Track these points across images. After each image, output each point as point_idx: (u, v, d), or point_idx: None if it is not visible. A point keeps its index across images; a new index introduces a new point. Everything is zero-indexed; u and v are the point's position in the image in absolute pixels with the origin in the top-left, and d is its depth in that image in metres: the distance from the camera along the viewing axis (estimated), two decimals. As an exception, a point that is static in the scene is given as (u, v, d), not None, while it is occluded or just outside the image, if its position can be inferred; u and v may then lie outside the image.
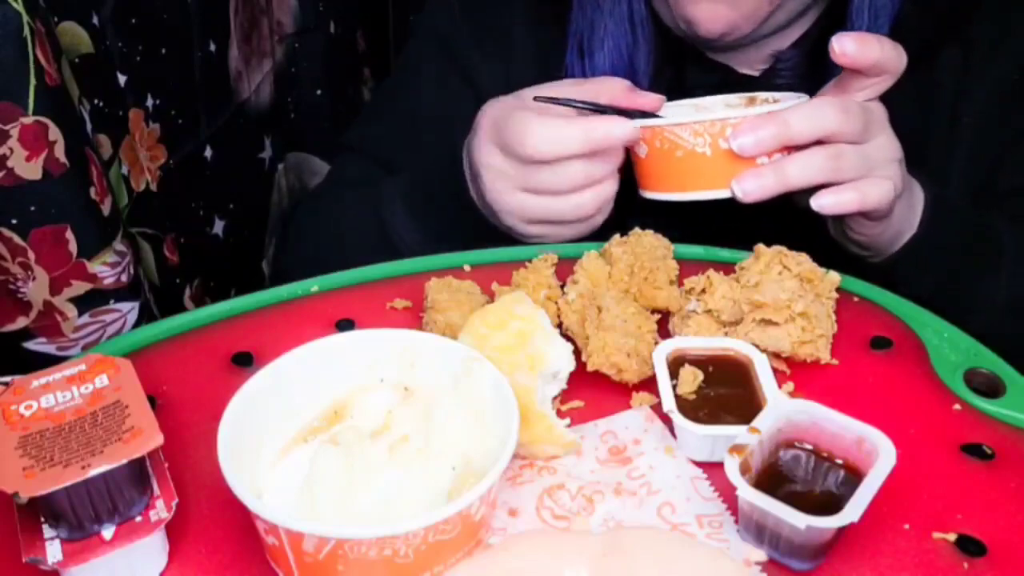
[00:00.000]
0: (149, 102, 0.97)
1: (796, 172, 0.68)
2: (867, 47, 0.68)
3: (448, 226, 0.83)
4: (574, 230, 0.78)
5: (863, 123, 0.69)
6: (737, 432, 0.55)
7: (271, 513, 0.47)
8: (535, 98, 0.75)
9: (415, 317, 0.72)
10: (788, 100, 0.74)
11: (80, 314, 0.82)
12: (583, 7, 0.87)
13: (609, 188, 0.75)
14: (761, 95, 0.80)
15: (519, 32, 0.93)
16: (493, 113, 0.76)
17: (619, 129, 0.72)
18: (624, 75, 0.83)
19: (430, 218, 0.84)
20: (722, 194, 0.71)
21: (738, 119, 0.69)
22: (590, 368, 0.64)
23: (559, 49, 0.88)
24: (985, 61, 0.84)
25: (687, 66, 0.89)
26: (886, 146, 0.70)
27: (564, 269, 0.73)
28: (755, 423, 0.55)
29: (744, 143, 0.68)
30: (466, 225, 0.81)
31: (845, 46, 0.67)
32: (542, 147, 0.72)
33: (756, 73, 0.89)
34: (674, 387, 0.61)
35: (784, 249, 0.68)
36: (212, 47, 1.10)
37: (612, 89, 0.76)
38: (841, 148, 0.69)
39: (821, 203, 0.69)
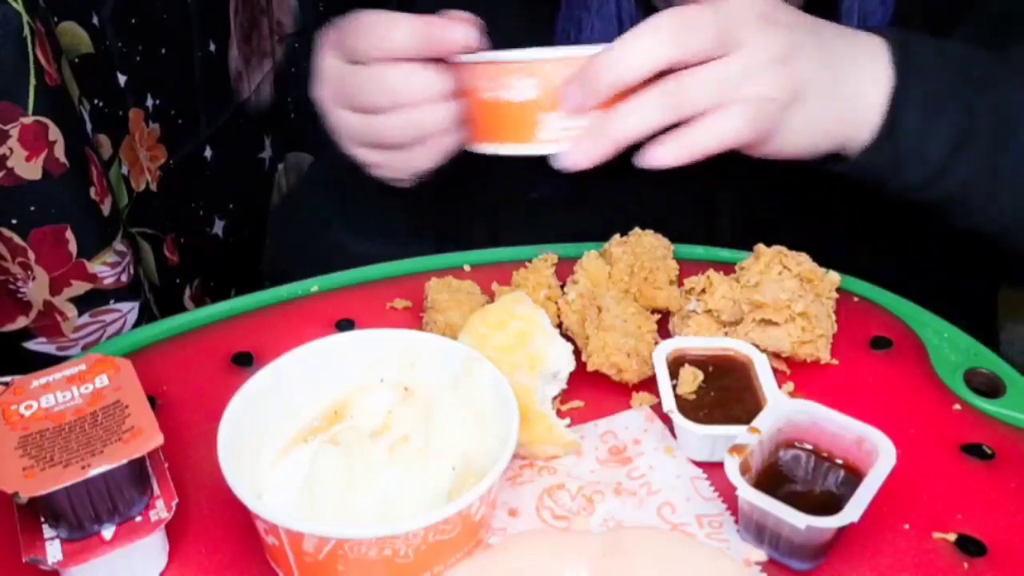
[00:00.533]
0: (149, 102, 0.97)
1: (624, 126, 0.59)
2: None
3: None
4: (401, 162, 0.70)
5: (714, 33, 0.58)
6: (737, 432, 0.55)
7: (271, 513, 0.47)
8: None
9: (415, 317, 0.72)
10: None
11: (80, 314, 0.82)
12: (570, 6, 0.85)
13: (437, 114, 0.66)
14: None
15: (507, 32, 0.92)
16: (329, 62, 0.69)
17: (460, 33, 0.64)
18: None
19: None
20: (545, 149, 0.63)
21: (560, 59, 0.60)
22: (590, 368, 0.64)
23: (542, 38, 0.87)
24: None
25: None
26: (760, 49, 0.59)
27: (564, 269, 0.73)
28: (755, 423, 0.55)
29: (570, 104, 0.60)
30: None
31: None
32: (369, 38, 0.65)
33: None
34: (674, 387, 0.61)
35: (784, 249, 0.68)
36: (212, 47, 1.10)
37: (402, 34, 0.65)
38: (682, 79, 0.58)
39: (645, 159, 0.59)
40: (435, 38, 0.64)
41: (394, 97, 0.66)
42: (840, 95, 0.63)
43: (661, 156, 0.59)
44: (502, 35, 0.89)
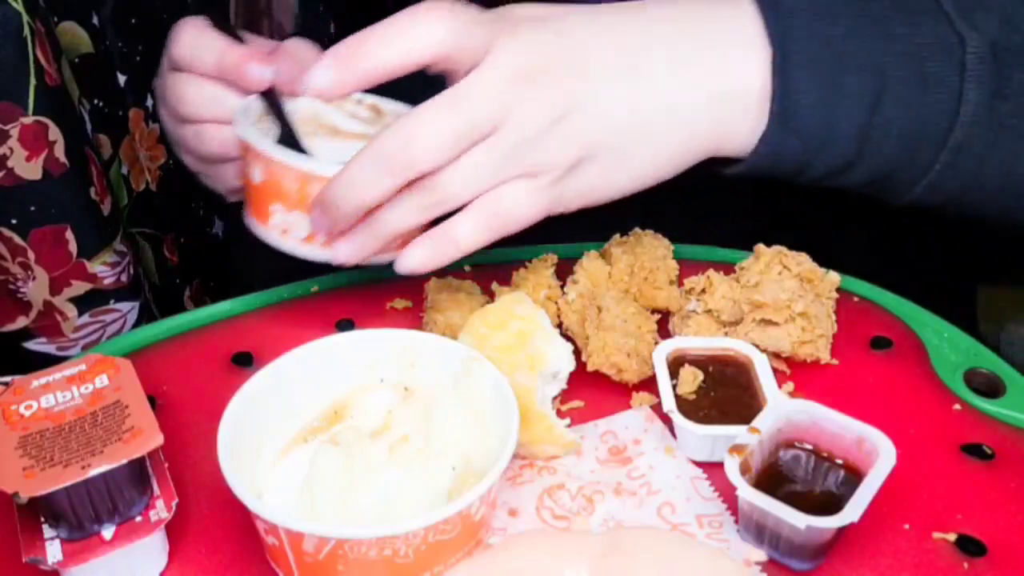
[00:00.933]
0: (149, 102, 0.96)
1: (385, 228, 0.56)
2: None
3: None
4: (213, 177, 0.70)
5: (441, 144, 0.51)
6: (737, 432, 0.55)
7: (271, 513, 0.47)
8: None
9: (415, 317, 0.72)
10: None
11: (80, 314, 0.82)
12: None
13: (222, 136, 0.65)
14: (390, 108, 0.70)
15: None
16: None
17: (255, 72, 0.63)
18: None
19: None
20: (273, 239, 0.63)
21: (291, 167, 0.59)
22: (590, 368, 0.64)
23: None
24: None
25: None
26: (526, 120, 0.51)
27: (564, 269, 0.73)
28: (755, 423, 0.55)
29: (318, 228, 0.59)
30: None
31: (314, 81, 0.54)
32: (180, 47, 0.65)
33: None
34: (674, 387, 0.61)
35: (784, 249, 0.68)
36: (212, 47, 1.10)
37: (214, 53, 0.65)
38: (438, 178, 0.53)
39: (398, 265, 0.58)
40: (230, 68, 0.64)
41: (187, 109, 0.66)
42: (690, 93, 0.53)
43: (409, 262, 0.57)
44: None
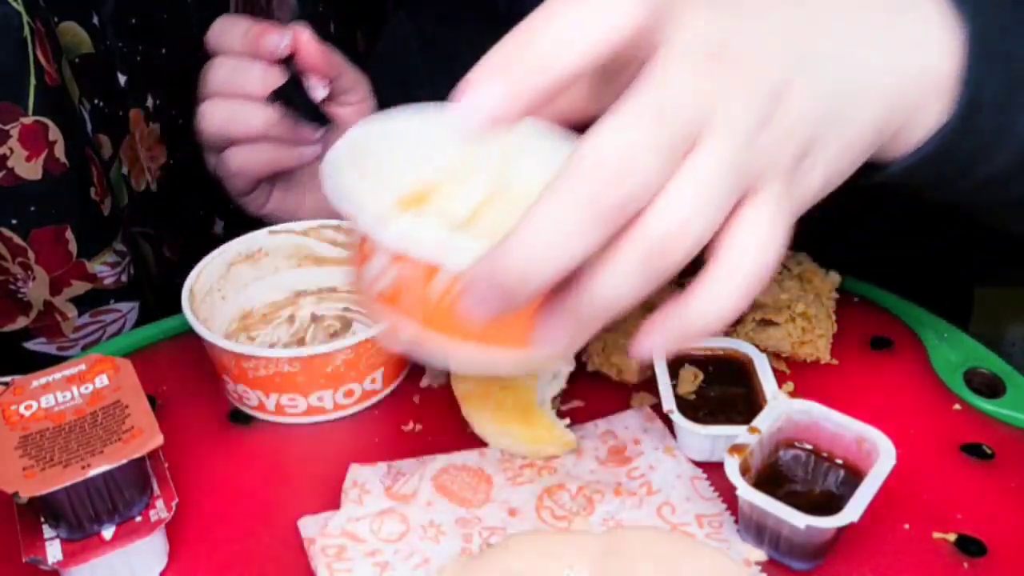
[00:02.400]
0: (149, 102, 0.96)
1: (601, 301, 0.37)
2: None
3: None
4: (224, 160, 0.75)
5: (654, 161, 0.35)
6: (737, 432, 0.55)
7: (424, 234, 0.40)
8: None
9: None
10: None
11: (80, 314, 0.82)
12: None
13: (248, 111, 0.70)
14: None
15: (469, 62, 0.90)
16: None
17: (275, 38, 0.69)
18: None
19: None
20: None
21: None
22: (590, 368, 0.64)
23: None
24: None
25: None
26: (735, 116, 0.37)
27: (564, 269, 0.73)
28: (755, 423, 0.55)
29: (470, 308, 0.38)
30: None
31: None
32: (212, 34, 0.71)
33: None
34: (674, 387, 0.61)
35: (784, 249, 0.68)
36: (212, 47, 1.10)
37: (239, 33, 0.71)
38: (653, 228, 0.36)
39: (638, 351, 0.40)
40: (252, 41, 0.69)
41: (212, 85, 0.71)
42: (887, 69, 0.44)
43: (654, 346, 0.40)
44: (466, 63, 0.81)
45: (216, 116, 0.72)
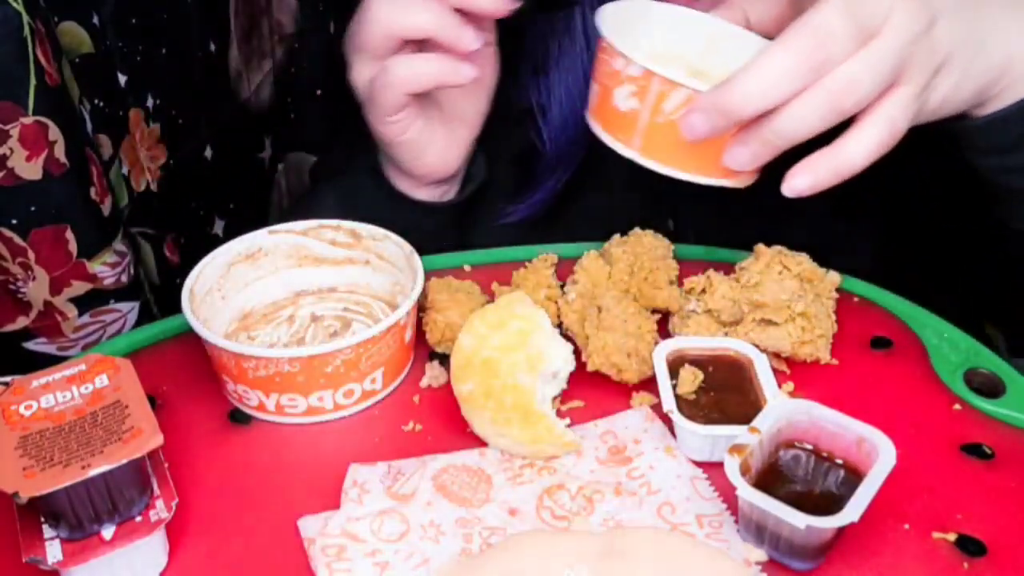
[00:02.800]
0: (149, 102, 0.96)
1: (789, 125, 0.54)
2: None
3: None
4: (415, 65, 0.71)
5: (852, 33, 0.53)
6: (737, 432, 0.55)
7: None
8: None
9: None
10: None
11: (80, 314, 0.82)
12: (534, 27, 0.84)
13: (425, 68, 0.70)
14: (366, 232, 0.71)
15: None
16: None
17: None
18: (581, 91, 0.76)
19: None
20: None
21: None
22: (590, 368, 0.64)
23: (508, 64, 0.86)
24: None
25: None
26: (902, 27, 0.54)
27: (564, 269, 0.73)
28: (755, 423, 0.55)
29: (694, 123, 0.56)
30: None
31: None
32: None
33: None
34: (674, 387, 0.61)
35: (784, 249, 0.68)
36: (212, 47, 1.10)
37: None
38: (840, 76, 0.53)
39: (793, 187, 0.56)
40: None
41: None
42: (987, 51, 0.58)
43: (798, 184, 0.56)
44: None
45: (384, 13, 0.69)
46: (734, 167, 0.58)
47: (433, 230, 0.80)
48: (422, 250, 0.69)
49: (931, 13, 0.55)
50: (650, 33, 0.67)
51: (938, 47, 0.56)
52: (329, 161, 1.00)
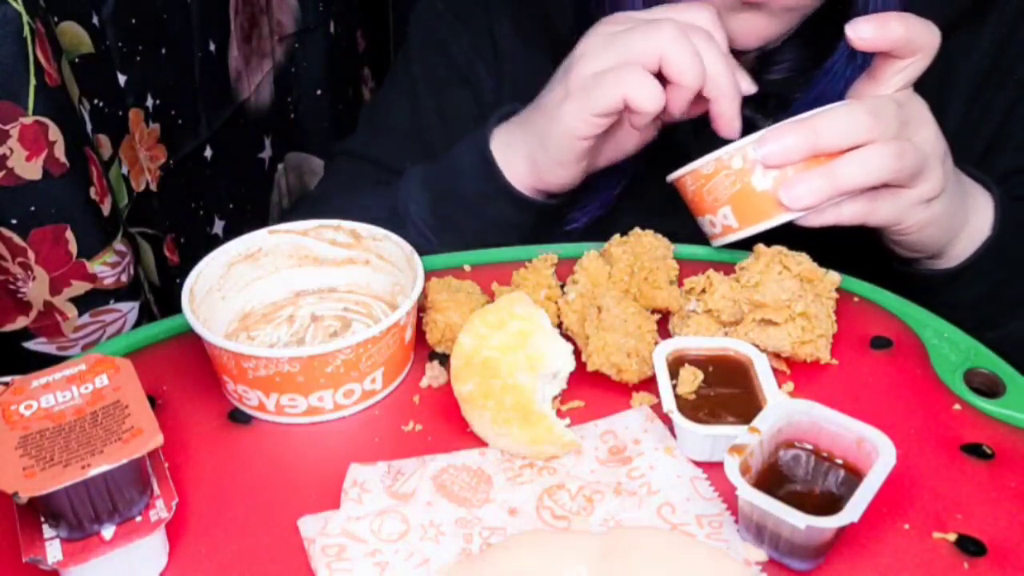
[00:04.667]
0: (149, 102, 0.96)
1: (847, 165, 0.65)
2: (887, 27, 0.65)
3: (464, 216, 0.82)
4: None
5: (899, 122, 0.66)
6: (737, 432, 0.55)
7: None
8: None
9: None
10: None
11: (80, 314, 0.82)
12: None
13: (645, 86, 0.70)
14: (366, 232, 0.72)
15: (502, 31, 0.93)
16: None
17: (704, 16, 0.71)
18: None
19: (448, 206, 0.83)
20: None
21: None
22: (590, 368, 0.64)
23: (546, 47, 0.87)
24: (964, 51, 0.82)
25: None
26: (929, 141, 0.68)
27: (564, 269, 0.73)
28: (755, 423, 0.55)
29: (771, 150, 0.66)
30: (485, 215, 0.81)
31: (861, 30, 0.65)
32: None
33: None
34: (674, 387, 0.61)
35: (784, 249, 0.68)
36: (212, 47, 1.10)
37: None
38: (904, 145, 0.65)
39: (842, 213, 0.67)
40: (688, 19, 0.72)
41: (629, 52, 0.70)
42: (960, 215, 0.73)
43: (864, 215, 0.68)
44: (498, 33, 0.88)
45: (644, 88, 0.69)
46: (791, 200, 0.67)
47: (516, 223, 0.81)
48: (489, 243, 0.71)
49: (942, 146, 0.69)
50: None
51: (943, 173, 0.69)
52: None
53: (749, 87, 0.74)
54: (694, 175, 0.71)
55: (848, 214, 0.68)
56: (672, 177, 0.73)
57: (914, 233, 0.71)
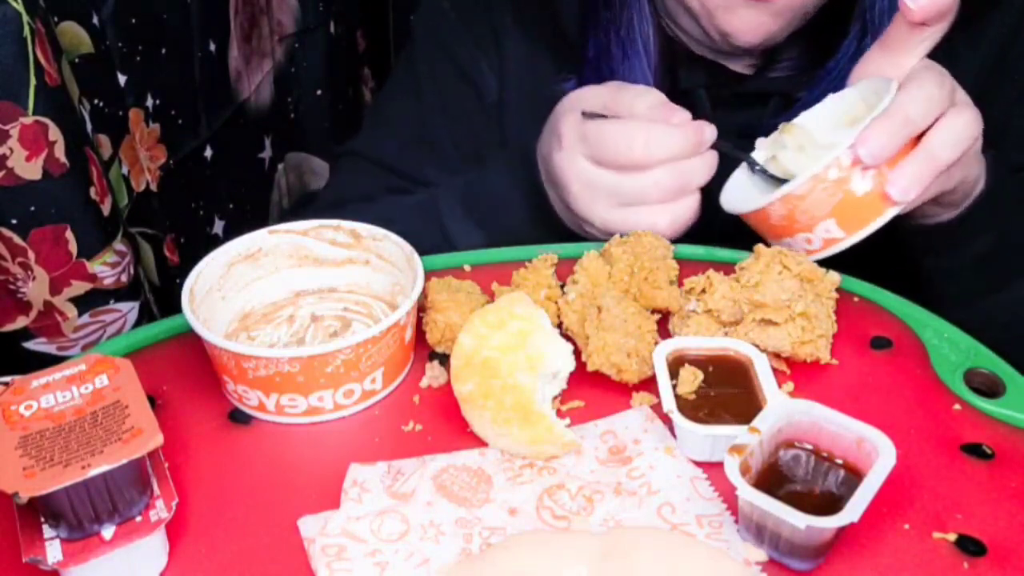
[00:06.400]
0: (149, 102, 0.97)
1: (941, 143, 0.66)
2: None
3: (514, 230, 0.83)
4: (650, 219, 0.76)
5: (951, 87, 0.67)
6: (737, 432, 0.55)
7: None
8: (583, 113, 0.75)
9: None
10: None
11: (80, 314, 0.82)
12: (596, 36, 0.87)
13: (704, 164, 0.74)
14: (366, 232, 0.72)
15: (506, 30, 0.93)
16: (574, 127, 0.75)
17: (710, 132, 0.73)
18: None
19: (492, 221, 0.85)
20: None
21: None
22: (590, 368, 0.64)
23: (548, 47, 0.88)
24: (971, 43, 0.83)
25: (678, 67, 0.89)
26: (965, 108, 0.68)
27: (564, 269, 0.73)
28: (755, 423, 0.55)
29: (873, 150, 0.65)
30: (534, 227, 0.82)
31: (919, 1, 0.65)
32: (651, 150, 0.71)
33: (749, 71, 0.89)
34: (674, 387, 0.61)
35: (784, 249, 0.68)
36: (212, 47, 1.10)
37: (647, 102, 0.74)
38: (974, 109, 0.67)
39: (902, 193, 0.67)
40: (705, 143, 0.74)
41: (666, 192, 0.73)
42: (973, 172, 0.73)
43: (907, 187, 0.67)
44: (502, 32, 0.90)
45: (668, 178, 0.73)
46: (900, 193, 0.66)
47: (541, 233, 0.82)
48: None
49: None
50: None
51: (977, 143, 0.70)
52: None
53: (712, 133, 0.74)
54: (785, 200, 0.68)
55: (936, 186, 0.68)
56: (753, 208, 0.70)
57: (969, 186, 0.72)
